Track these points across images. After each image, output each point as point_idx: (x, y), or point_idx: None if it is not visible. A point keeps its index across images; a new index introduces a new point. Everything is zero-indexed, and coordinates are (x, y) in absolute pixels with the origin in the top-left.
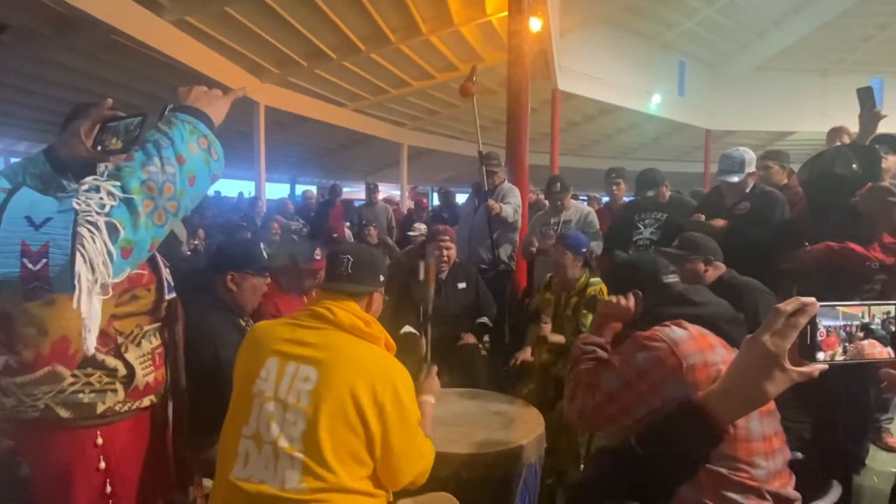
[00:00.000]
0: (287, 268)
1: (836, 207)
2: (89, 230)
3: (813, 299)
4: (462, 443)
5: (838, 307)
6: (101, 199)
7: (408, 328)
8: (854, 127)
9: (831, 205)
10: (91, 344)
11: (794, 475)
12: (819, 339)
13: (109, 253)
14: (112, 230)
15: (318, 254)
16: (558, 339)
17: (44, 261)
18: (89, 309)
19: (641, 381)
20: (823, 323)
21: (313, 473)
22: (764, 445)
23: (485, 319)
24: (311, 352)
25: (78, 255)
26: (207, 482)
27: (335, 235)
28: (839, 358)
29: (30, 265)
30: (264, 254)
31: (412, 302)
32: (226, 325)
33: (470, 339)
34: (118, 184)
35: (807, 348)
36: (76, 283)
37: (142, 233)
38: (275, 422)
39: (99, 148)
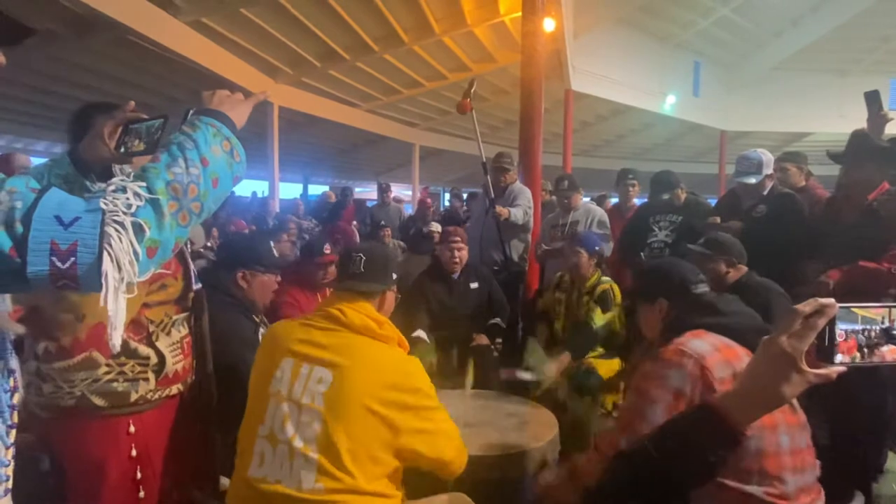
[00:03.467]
0: (299, 262)
1: (853, 209)
2: (116, 230)
3: (832, 300)
4: (475, 444)
5: (857, 309)
6: (128, 199)
7: (419, 333)
8: None
9: (847, 206)
10: (117, 342)
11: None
12: (837, 340)
13: (135, 252)
14: (138, 230)
15: (327, 248)
16: (561, 364)
17: (72, 259)
18: (116, 307)
19: (679, 401)
20: (842, 328)
21: (329, 474)
22: (793, 460)
23: (497, 320)
24: (325, 353)
25: (105, 254)
26: (225, 480)
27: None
28: (857, 361)
29: (59, 264)
30: (274, 251)
31: (423, 301)
32: (239, 320)
33: (482, 340)
34: (144, 184)
35: (824, 350)
36: (103, 281)
37: (166, 233)
38: (289, 422)
39: (122, 150)
